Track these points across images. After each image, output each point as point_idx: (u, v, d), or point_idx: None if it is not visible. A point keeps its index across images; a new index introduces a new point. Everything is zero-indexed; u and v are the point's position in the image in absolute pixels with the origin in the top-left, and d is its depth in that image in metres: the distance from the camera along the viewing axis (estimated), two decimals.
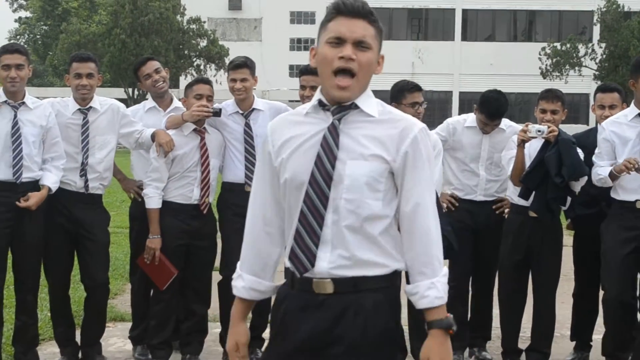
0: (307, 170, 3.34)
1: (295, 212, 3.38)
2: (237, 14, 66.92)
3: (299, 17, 69.69)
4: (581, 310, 7.42)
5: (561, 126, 7.04)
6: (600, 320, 7.29)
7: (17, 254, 6.84)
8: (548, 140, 6.87)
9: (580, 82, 53.22)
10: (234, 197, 7.24)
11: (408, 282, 3.39)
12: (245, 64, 7.34)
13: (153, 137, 7.07)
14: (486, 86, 7.54)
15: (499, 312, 7.43)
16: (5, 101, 6.76)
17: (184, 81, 51.05)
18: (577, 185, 6.92)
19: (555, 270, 7.19)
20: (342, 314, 3.32)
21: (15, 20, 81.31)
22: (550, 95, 7.15)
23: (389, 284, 3.38)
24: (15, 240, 6.77)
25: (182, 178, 7.08)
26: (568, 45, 53.58)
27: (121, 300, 9.34)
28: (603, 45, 53.13)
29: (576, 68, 52.78)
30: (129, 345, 7.66)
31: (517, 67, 61.86)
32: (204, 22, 58.28)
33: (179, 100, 7.51)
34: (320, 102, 3.42)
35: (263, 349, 7.20)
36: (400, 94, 6.81)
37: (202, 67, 56.53)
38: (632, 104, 6.81)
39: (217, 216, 7.40)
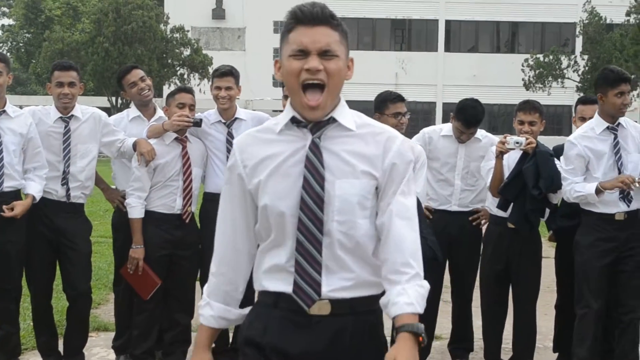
0: (290, 195, 3.17)
1: (284, 240, 3.20)
2: (221, 24, 66.87)
3: (282, 27, 69.57)
4: (564, 322, 7.45)
5: (544, 138, 7.09)
6: None
7: None
8: (526, 152, 6.92)
9: (563, 93, 53.38)
10: (216, 207, 7.19)
11: None
12: (231, 73, 7.38)
13: (135, 146, 7.07)
14: (470, 97, 7.58)
15: (481, 323, 7.46)
16: None
17: (167, 90, 51.00)
18: (555, 198, 7.00)
19: (534, 282, 7.24)
20: (338, 336, 3.19)
21: None
22: (528, 106, 7.19)
23: (379, 305, 3.20)
24: None
25: (164, 187, 7.09)
26: (551, 57, 53.76)
27: (104, 310, 9.32)
28: (585, 57, 53.34)
29: (559, 80, 52.95)
30: (112, 355, 7.65)
31: (500, 78, 61.99)
32: (188, 31, 58.21)
33: (162, 109, 7.50)
34: (294, 119, 3.24)
35: None
36: (383, 105, 6.87)
37: (185, 76, 56.45)
38: (597, 117, 6.87)
39: (199, 226, 7.40)
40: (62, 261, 7.14)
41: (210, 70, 50.72)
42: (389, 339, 3.26)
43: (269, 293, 3.28)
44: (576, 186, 6.73)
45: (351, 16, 63.95)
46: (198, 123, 7.06)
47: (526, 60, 54.31)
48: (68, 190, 7.04)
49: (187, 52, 56.63)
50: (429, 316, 7.44)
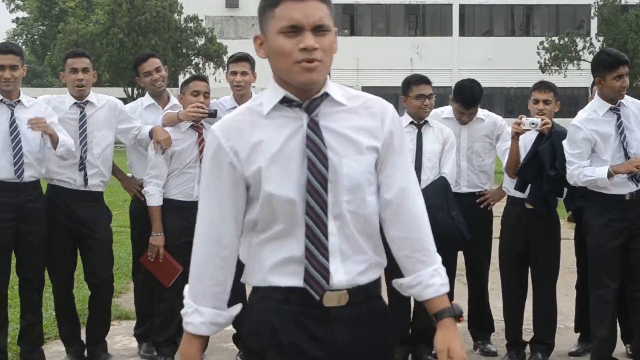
0: (298, 180, 2.97)
1: (294, 229, 3.00)
2: (235, 12, 66.78)
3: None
4: (585, 302, 7.42)
5: (560, 120, 7.08)
6: None
7: (21, 253, 6.88)
8: (542, 133, 6.93)
9: (579, 75, 53.08)
10: None
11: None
12: (247, 58, 7.42)
13: (151, 134, 7.09)
14: (485, 81, 7.60)
15: (502, 304, 7.47)
16: (1, 100, 6.79)
17: (182, 79, 51.03)
18: None
19: (553, 262, 7.26)
20: (358, 326, 3.08)
21: (13, 21, 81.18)
22: (543, 85, 7.27)
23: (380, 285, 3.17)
24: (19, 239, 6.80)
25: (182, 175, 7.11)
26: (566, 39, 53.48)
27: (125, 299, 9.37)
28: (601, 38, 53.04)
29: (574, 62, 52.71)
30: (134, 343, 7.69)
31: (516, 61, 61.74)
32: (202, 20, 58.15)
33: (177, 97, 7.52)
34: (284, 99, 3.03)
35: None
36: (407, 87, 7.07)
37: (200, 65, 56.45)
38: (597, 98, 6.82)
39: None
40: (83, 250, 7.19)
41: (225, 59, 50.81)
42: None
43: (276, 289, 3.04)
44: (585, 170, 6.66)
45: (365, 2, 63.89)
46: (213, 114, 7.06)
47: (541, 43, 54.03)
48: (85, 176, 7.07)
49: (201, 41, 56.61)
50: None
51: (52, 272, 7.19)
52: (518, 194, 7.16)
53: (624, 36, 49.25)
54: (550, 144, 6.92)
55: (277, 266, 3.03)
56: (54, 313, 7.62)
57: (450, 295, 5.96)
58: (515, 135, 7.00)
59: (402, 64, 60.44)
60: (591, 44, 52.69)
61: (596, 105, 6.82)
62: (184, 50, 56.70)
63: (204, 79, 7.39)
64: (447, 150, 7.11)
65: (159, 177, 7.07)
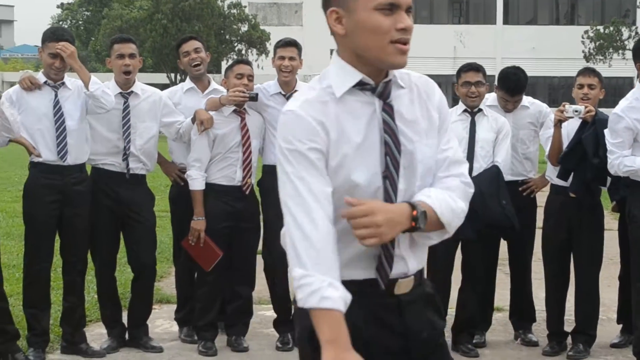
0: (378, 168, 2.88)
1: None
2: None
3: None
4: (627, 293, 7.36)
5: (605, 110, 7.01)
6: None
7: (65, 236, 6.93)
8: (585, 121, 6.87)
9: (624, 65, 52.61)
10: (276, 180, 7.26)
11: None
12: (295, 44, 7.44)
13: (194, 119, 7.11)
14: (528, 70, 7.56)
15: (544, 294, 7.43)
16: (45, 82, 6.84)
17: (225, 66, 51.13)
18: None
19: (596, 252, 7.21)
20: (420, 309, 3.06)
21: (58, 6, 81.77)
22: (587, 70, 7.31)
23: None
24: (63, 222, 6.85)
25: (224, 159, 7.14)
26: (611, 29, 53.01)
27: (167, 283, 9.41)
28: None
29: (619, 51, 52.23)
30: (175, 327, 7.73)
31: (560, 50, 61.26)
32: (245, 7, 58.21)
33: (220, 82, 7.53)
34: (361, 82, 2.90)
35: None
36: (457, 75, 7.17)
37: (243, 52, 56.52)
38: (639, 86, 6.75)
39: (259, 199, 7.43)
40: (126, 233, 7.24)
41: (268, 46, 50.80)
42: None
43: (352, 283, 2.85)
44: (626, 160, 6.59)
45: None
46: (254, 97, 7.08)
47: (586, 32, 53.59)
48: (128, 166, 7.11)
49: (244, 28, 56.63)
50: (487, 287, 7.46)
51: (95, 255, 7.25)
52: (561, 183, 7.11)
53: None
54: (593, 131, 6.85)
55: (352, 259, 2.92)
56: (96, 296, 7.68)
57: (492, 285, 5.85)
58: (558, 123, 6.97)
59: (445, 52, 60.20)
60: (637, 33, 52.20)
61: (638, 94, 6.75)
62: (227, 37, 56.76)
63: (248, 63, 7.45)
64: (502, 139, 7.10)
65: (201, 161, 7.10)
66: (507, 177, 7.39)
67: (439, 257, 6.79)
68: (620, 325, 7.63)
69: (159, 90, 7.51)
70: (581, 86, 7.17)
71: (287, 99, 7.29)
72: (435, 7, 66.28)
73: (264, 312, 8.07)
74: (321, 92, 2.91)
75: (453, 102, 9.20)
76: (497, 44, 63.81)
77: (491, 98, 7.63)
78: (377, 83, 2.93)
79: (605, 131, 6.76)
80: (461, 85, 7.17)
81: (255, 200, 7.38)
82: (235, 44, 56.93)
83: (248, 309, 7.44)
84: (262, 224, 7.43)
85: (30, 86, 6.79)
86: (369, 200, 2.85)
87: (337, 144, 2.85)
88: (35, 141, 6.77)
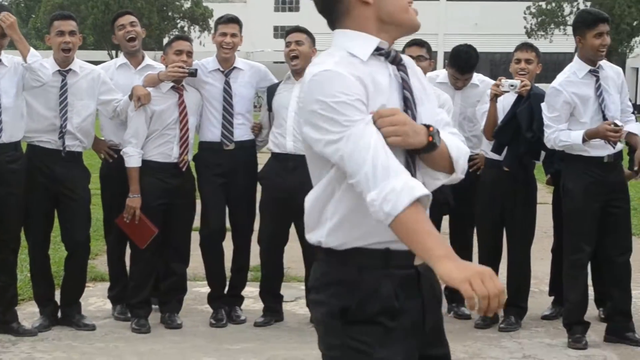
0: None
1: None
2: None
3: None
4: (559, 266, 7.43)
5: (546, 85, 7.05)
6: None
7: None
8: (521, 95, 6.94)
9: (565, 41, 53.08)
10: (212, 157, 7.29)
11: None
12: (237, 20, 7.41)
13: (131, 96, 7.04)
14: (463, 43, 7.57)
15: None
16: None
17: None
18: None
19: (529, 225, 7.28)
20: (433, 283, 3.11)
21: None
22: (525, 45, 7.40)
23: None
24: None
25: (161, 136, 7.09)
26: (553, 4, 53.48)
27: (101, 261, 9.33)
28: (588, 3, 53.00)
29: (561, 27, 52.74)
30: (108, 305, 7.67)
31: (502, 26, 61.69)
32: None
33: (160, 58, 7.48)
34: (377, 48, 3.01)
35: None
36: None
37: (185, 28, 56.24)
38: (577, 60, 6.80)
39: (195, 175, 7.41)
40: (61, 211, 7.15)
41: (211, 23, 50.55)
42: None
43: (376, 252, 2.95)
44: (561, 135, 6.64)
45: None
46: (193, 73, 7.05)
47: (528, 7, 54.03)
48: (64, 143, 7.03)
49: (187, 4, 56.41)
50: None
51: (28, 233, 7.15)
52: (495, 157, 7.16)
53: (612, 2, 49.27)
54: (528, 106, 6.92)
55: (379, 225, 2.85)
56: (28, 274, 7.59)
57: None
58: (494, 97, 7.03)
59: None
60: (578, 9, 52.59)
61: (575, 68, 6.80)
62: (170, 14, 56.51)
63: (187, 39, 7.42)
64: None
65: (138, 138, 7.05)
66: None
67: None
68: (552, 298, 7.71)
69: (98, 68, 7.40)
70: (518, 61, 7.24)
71: (226, 75, 7.27)
72: None
73: (198, 289, 8.04)
74: (344, 58, 2.96)
75: None
76: (440, 20, 64.09)
77: (442, 75, 7.68)
78: (388, 50, 3.05)
79: (542, 105, 6.80)
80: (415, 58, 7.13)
81: (191, 177, 7.35)
82: (178, 21, 56.71)
83: (182, 286, 7.41)
84: (197, 200, 7.39)
85: None
86: None
87: (374, 95, 2.91)
88: None
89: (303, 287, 7.50)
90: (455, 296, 7.66)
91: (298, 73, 7.04)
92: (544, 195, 7.50)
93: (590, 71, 6.72)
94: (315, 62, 3.02)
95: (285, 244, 7.35)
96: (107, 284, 7.84)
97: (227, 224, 7.50)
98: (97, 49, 58.17)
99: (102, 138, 7.56)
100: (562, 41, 52.13)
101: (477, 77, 7.64)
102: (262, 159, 7.39)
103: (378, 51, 3.00)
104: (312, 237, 3.05)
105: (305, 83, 2.94)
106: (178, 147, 7.10)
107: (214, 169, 7.28)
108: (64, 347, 6.71)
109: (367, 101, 2.88)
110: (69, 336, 6.99)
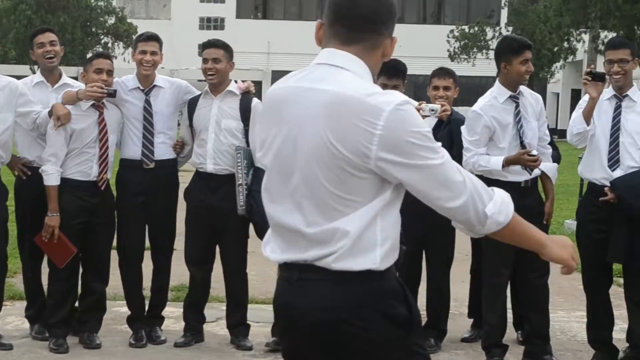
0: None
1: None
2: None
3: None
4: (478, 287, 7.51)
5: (467, 109, 7.13)
6: None
7: None
8: (441, 120, 7.00)
9: (487, 64, 53.73)
10: (132, 175, 7.25)
11: None
12: (157, 38, 7.38)
13: (50, 112, 6.96)
14: None
15: None
16: None
17: None
18: None
19: (448, 248, 7.36)
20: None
21: None
22: (442, 72, 7.43)
23: None
24: None
25: (81, 154, 7.04)
26: (476, 28, 54.08)
27: (19, 279, 9.15)
28: (510, 28, 53.65)
29: (484, 51, 53.29)
30: (26, 324, 7.55)
31: (426, 49, 62.07)
32: None
33: (80, 75, 7.40)
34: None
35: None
36: None
37: (109, 44, 55.77)
38: (498, 85, 6.90)
39: (115, 193, 7.35)
40: None
41: None
42: None
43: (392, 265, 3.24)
44: (480, 159, 6.72)
45: None
46: (112, 94, 7.02)
47: (452, 31, 54.57)
48: None
49: (111, 20, 55.93)
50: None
51: None
52: None
53: (533, 27, 49.99)
54: (448, 130, 6.99)
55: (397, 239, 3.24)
56: None
57: None
58: None
59: (313, 48, 60.41)
60: (500, 33, 53.34)
61: (496, 92, 6.89)
62: (93, 29, 55.96)
63: (108, 57, 7.36)
64: None
65: (57, 157, 6.98)
66: None
67: None
68: (472, 320, 7.77)
69: (15, 80, 7.29)
70: (437, 88, 7.30)
71: (145, 94, 7.22)
72: (304, 4, 66.54)
73: (118, 309, 7.96)
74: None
75: None
76: None
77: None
78: None
79: (462, 128, 6.88)
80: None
81: (110, 195, 7.31)
82: (102, 37, 56.17)
83: (102, 305, 7.34)
84: (116, 219, 7.33)
85: None
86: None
87: None
88: None
89: (224, 308, 7.47)
90: None
91: (216, 88, 7.10)
92: None
93: (510, 97, 6.81)
94: (374, 91, 3.18)
95: (212, 261, 7.23)
96: (25, 303, 7.72)
97: (147, 243, 7.45)
98: (18, 64, 57.46)
99: (17, 155, 7.46)
100: (484, 65, 52.72)
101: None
102: (187, 177, 7.34)
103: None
104: (354, 265, 3.08)
105: (385, 112, 3.03)
106: (97, 165, 7.06)
107: (134, 187, 7.24)
108: None
109: None
110: None
